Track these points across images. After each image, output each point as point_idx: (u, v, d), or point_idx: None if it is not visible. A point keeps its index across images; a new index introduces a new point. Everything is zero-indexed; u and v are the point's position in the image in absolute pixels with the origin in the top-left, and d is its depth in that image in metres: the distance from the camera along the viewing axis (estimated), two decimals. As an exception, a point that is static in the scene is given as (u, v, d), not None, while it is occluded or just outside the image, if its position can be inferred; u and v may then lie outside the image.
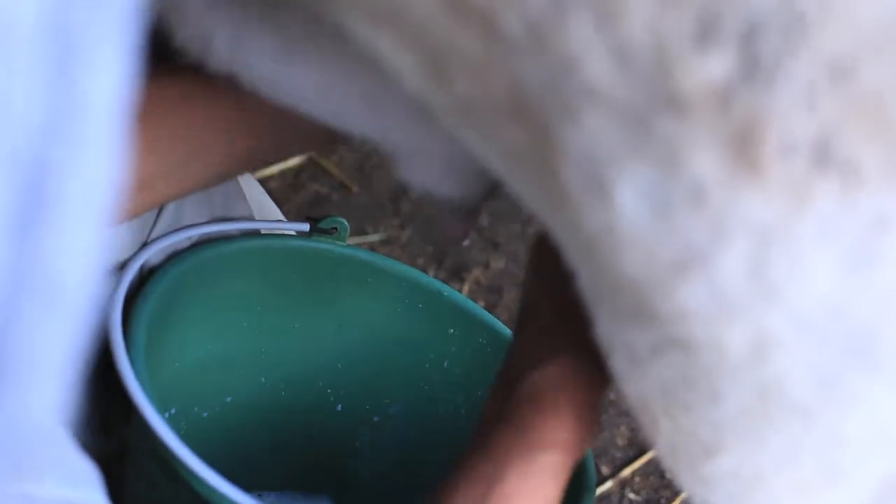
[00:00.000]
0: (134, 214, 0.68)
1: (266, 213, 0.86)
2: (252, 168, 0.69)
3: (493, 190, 0.58)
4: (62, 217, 0.30)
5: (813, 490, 0.52)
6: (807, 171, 0.41)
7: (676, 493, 1.15)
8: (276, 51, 0.55)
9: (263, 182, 1.35)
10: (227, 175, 0.69)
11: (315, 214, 0.84)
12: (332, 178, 1.39)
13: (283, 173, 1.38)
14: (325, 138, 0.68)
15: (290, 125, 0.64)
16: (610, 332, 0.50)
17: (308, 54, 0.55)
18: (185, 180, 0.65)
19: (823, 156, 0.41)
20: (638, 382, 0.51)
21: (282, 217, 0.88)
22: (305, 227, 0.83)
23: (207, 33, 0.56)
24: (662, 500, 1.15)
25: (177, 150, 0.63)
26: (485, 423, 0.56)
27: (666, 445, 0.53)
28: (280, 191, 1.36)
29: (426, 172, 0.57)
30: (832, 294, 0.44)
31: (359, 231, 1.34)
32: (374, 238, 1.33)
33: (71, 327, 0.31)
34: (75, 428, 0.77)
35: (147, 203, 0.66)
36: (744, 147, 0.40)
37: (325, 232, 0.83)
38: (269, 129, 0.64)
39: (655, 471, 1.16)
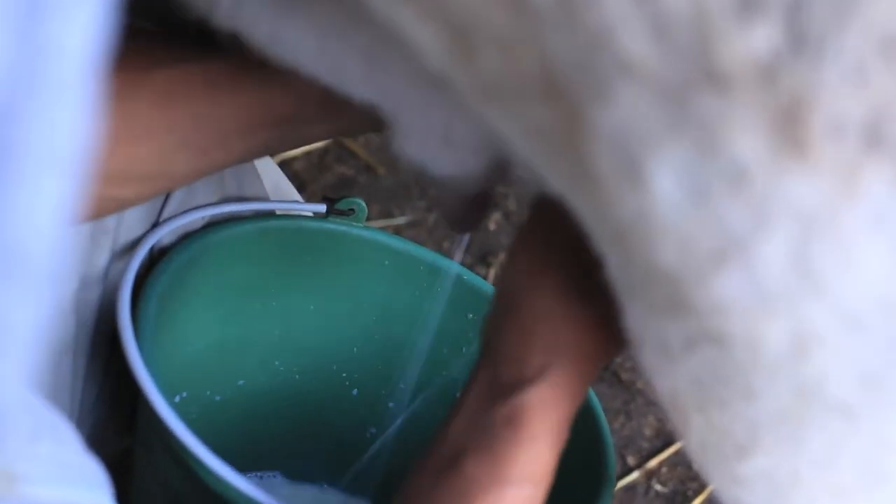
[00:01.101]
0: (146, 200, 0.66)
1: (282, 193, 0.84)
2: (271, 153, 0.67)
3: (498, 173, 0.55)
4: (26, 168, 0.28)
5: (851, 494, 0.49)
6: (857, 153, 0.38)
7: (704, 486, 1.12)
8: (275, 4, 0.53)
9: (288, 164, 1.34)
10: (246, 160, 0.67)
11: (341, 197, 0.81)
12: (359, 159, 1.37)
13: (307, 155, 1.36)
14: (347, 125, 0.65)
15: (314, 112, 0.62)
16: (641, 324, 0.47)
17: (308, 8, 0.53)
18: (202, 168, 0.63)
19: (875, 137, 0.38)
20: (670, 377, 0.48)
21: (298, 198, 0.86)
22: (322, 208, 0.81)
23: None
24: (690, 492, 1.13)
25: (199, 140, 0.61)
26: (453, 438, 0.52)
27: (697, 442, 0.50)
28: (305, 172, 1.35)
29: (423, 145, 0.54)
30: (883, 287, 0.41)
31: (385, 214, 1.32)
32: (399, 221, 1.32)
33: (34, 292, 0.29)
34: (91, 426, 0.76)
35: (159, 189, 0.64)
36: (789, 126, 0.37)
37: (342, 213, 0.81)
38: (291, 118, 0.62)
39: (683, 462, 1.14)
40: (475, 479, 0.51)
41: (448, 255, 0.85)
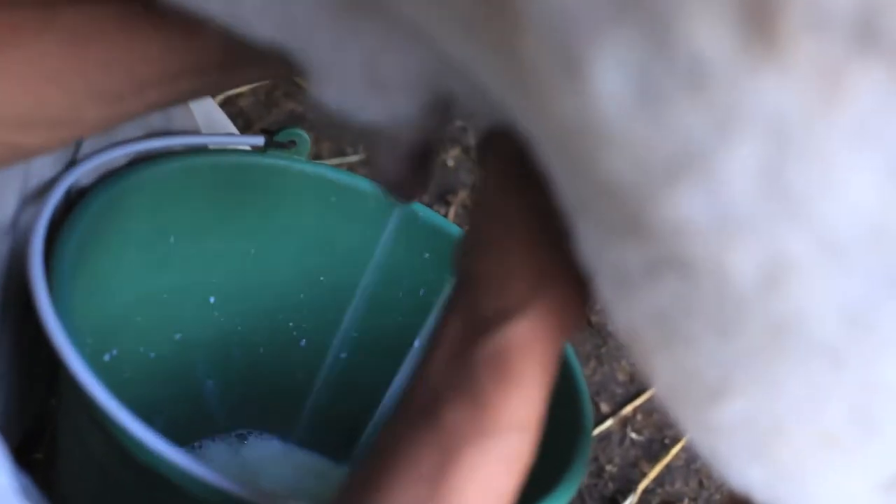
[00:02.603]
0: (56, 148, 0.58)
1: (215, 125, 0.77)
2: (198, 97, 0.59)
3: (436, 117, 0.48)
4: None
5: (842, 445, 0.43)
6: (843, 52, 0.31)
7: (682, 433, 1.06)
8: None
9: (232, 101, 1.26)
10: (169, 104, 0.59)
11: (281, 128, 0.74)
12: (309, 94, 1.29)
13: (254, 91, 1.29)
14: (280, 69, 0.57)
15: (240, 56, 0.54)
16: (594, 248, 0.41)
17: None
18: (120, 115, 0.56)
19: (866, 32, 0.31)
20: (629, 309, 0.41)
21: (234, 130, 0.79)
22: (260, 140, 0.73)
23: None
24: (667, 440, 1.06)
25: (114, 84, 0.53)
26: (430, 383, 0.46)
27: (665, 385, 0.44)
28: (251, 109, 1.27)
29: (344, 88, 0.46)
30: (870, 210, 0.34)
31: (337, 152, 1.25)
32: (353, 158, 1.25)
33: None
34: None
35: (72, 137, 0.56)
36: (759, 15, 0.31)
37: (282, 146, 0.74)
38: (214, 63, 0.54)
39: (659, 408, 1.08)
40: (456, 430, 0.44)
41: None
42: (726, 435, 0.44)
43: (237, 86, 0.60)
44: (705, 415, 0.43)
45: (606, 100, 0.33)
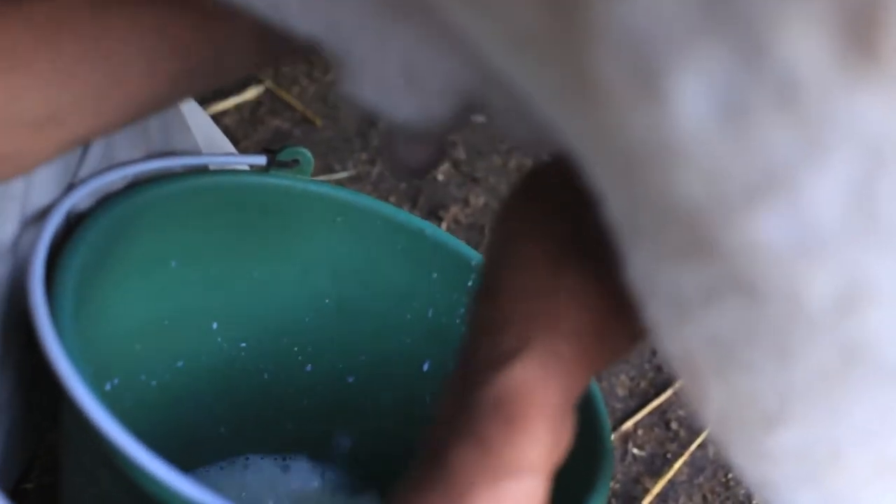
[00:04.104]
0: (45, 157, 0.55)
1: (215, 146, 0.75)
2: (183, 96, 0.57)
3: (463, 116, 0.47)
4: None
5: None
6: None
7: (684, 447, 1.05)
8: None
9: (217, 119, 1.24)
10: (155, 105, 0.56)
11: (282, 147, 0.72)
12: (294, 111, 1.28)
13: (238, 108, 1.27)
14: (264, 50, 0.56)
15: (223, 35, 0.52)
16: (649, 273, 0.39)
17: None
18: (102, 114, 0.53)
19: None
20: (683, 334, 0.40)
21: (233, 150, 0.77)
22: (262, 160, 0.71)
23: None
24: (669, 455, 1.05)
25: (90, 76, 0.51)
26: (441, 431, 0.45)
27: (716, 413, 0.42)
28: (236, 128, 1.25)
29: (380, 86, 0.45)
30: None
31: (325, 168, 1.23)
32: (342, 175, 1.23)
33: None
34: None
35: (58, 142, 0.54)
36: (860, 26, 0.29)
37: (284, 165, 0.72)
38: (198, 44, 0.52)
39: (660, 423, 1.06)
40: (464, 473, 0.43)
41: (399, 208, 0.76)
42: (779, 462, 0.42)
43: (221, 76, 0.58)
44: (759, 442, 0.41)
45: (687, 118, 0.31)
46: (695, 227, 0.34)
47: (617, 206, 0.38)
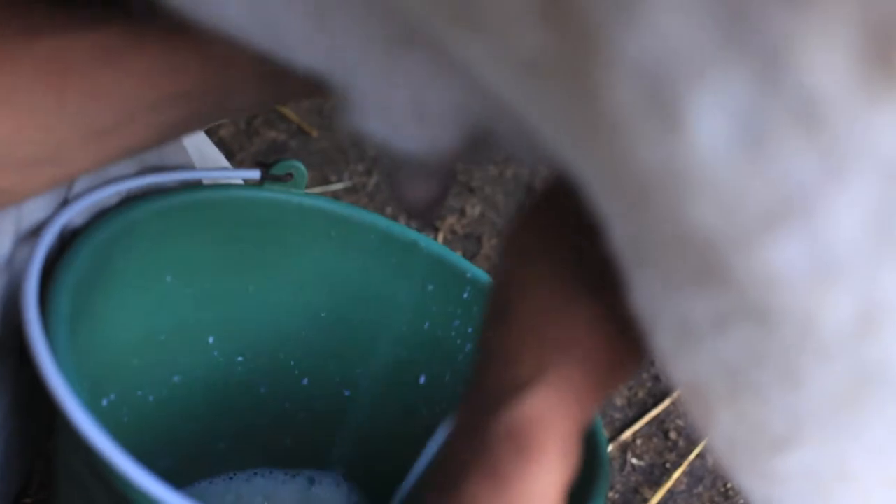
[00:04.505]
0: (40, 191, 0.55)
1: (208, 160, 0.75)
2: (186, 133, 0.57)
3: (471, 146, 0.46)
4: None
5: None
6: None
7: (682, 457, 1.04)
8: None
9: (212, 131, 1.24)
10: (157, 142, 0.56)
11: (276, 160, 0.72)
12: (289, 122, 1.28)
13: (234, 120, 1.26)
14: (280, 93, 0.55)
15: (236, 81, 0.52)
16: (656, 300, 0.38)
17: None
18: (103, 152, 0.53)
19: None
20: (692, 362, 0.39)
21: (227, 164, 0.76)
22: (256, 174, 0.71)
23: None
24: (668, 465, 1.05)
25: (94, 118, 0.51)
26: (453, 461, 0.44)
27: (724, 437, 0.41)
28: (232, 140, 1.25)
29: (386, 118, 0.45)
30: None
31: (321, 180, 1.23)
32: (338, 186, 1.22)
33: None
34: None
35: (55, 179, 0.54)
36: (882, 48, 0.28)
37: (278, 179, 0.71)
38: (204, 86, 0.52)
39: (658, 432, 1.06)
40: None
41: (394, 220, 0.75)
42: (786, 480, 0.42)
43: (226, 116, 0.58)
44: (767, 465, 0.41)
45: (704, 145, 0.30)
46: (707, 254, 0.34)
47: (623, 233, 0.37)
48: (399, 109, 0.44)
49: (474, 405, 0.45)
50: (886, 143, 0.30)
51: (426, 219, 0.52)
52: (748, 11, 0.29)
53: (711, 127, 0.30)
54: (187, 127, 0.56)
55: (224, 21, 0.44)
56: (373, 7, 0.41)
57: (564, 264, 0.45)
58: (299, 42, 0.44)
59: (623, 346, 0.44)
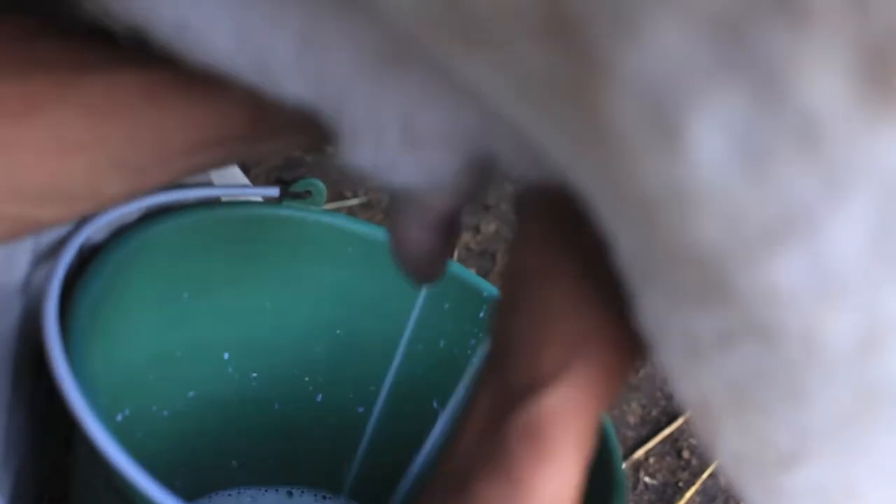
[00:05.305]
0: (70, 219, 0.55)
1: (227, 176, 0.75)
2: (219, 166, 0.57)
3: (477, 178, 0.45)
4: None
5: None
6: None
7: (695, 476, 1.05)
8: None
9: (229, 145, 1.24)
10: (188, 175, 0.56)
11: (287, 178, 0.72)
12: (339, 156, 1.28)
13: (250, 135, 1.26)
14: (311, 140, 0.55)
15: (270, 127, 0.52)
16: (662, 317, 0.38)
17: None
18: (139, 185, 0.52)
19: None
20: (698, 379, 0.39)
21: (246, 181, 0.77)
22: (275, 191, 0.72)
23: None
24: (681, 483, 1.05)
25: (134, 151, 0.50)
26: (463, 456, 0.43)
27: (731, 453, 0.41)
28: (248, 154, 1.25)
29: (379, 147, 0.43)
30: None
31: (336, 195, 1.23)
32: (353, 202, 1.23)
33: None
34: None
35: (91, 208, 0.53)
36: (879, 68, 0.29)
37: (297, 196, 0.72)
38: (243, 135, 0.52)
39: (671, 451, 1.06)
40: None
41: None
42: (794, 499, 0.42)
43: (261, 156, 0.57)
44: (774, 482, 0.41)
45: (705, 164, 0.31)
46: (710, 271, 0.34)
47: (628, 249, 0.37)
48: (392, 134, 0.43)
49: (487, 405, 0.43)
50: (885, 162, 0.30)
51: (426, 276, 0.50)
52: (748, 32, 0.29)
53: (712, 146, 0.31)
54: (219, 164, 0.56)
55: (212, 53, 0.44)
56: (364, 23, 0.41)
57: (580, 260, 0.44)
58: (287, 68, 0.43)
59: (632, 342, 0.44)
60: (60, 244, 0.63)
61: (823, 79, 0.29)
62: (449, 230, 0.49)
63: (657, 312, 0.38)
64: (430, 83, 0.42)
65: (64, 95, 0.48)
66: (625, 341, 0.44)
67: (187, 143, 0.51)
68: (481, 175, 0.45)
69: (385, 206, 1.23)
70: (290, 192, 0.71)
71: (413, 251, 0.49)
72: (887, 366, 0.35)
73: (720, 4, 0.29)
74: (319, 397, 0.78)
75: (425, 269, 0.50)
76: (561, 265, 0.44)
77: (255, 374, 0.76)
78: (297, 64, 0.43)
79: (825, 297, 0.33)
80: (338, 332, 0.76)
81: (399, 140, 0.43)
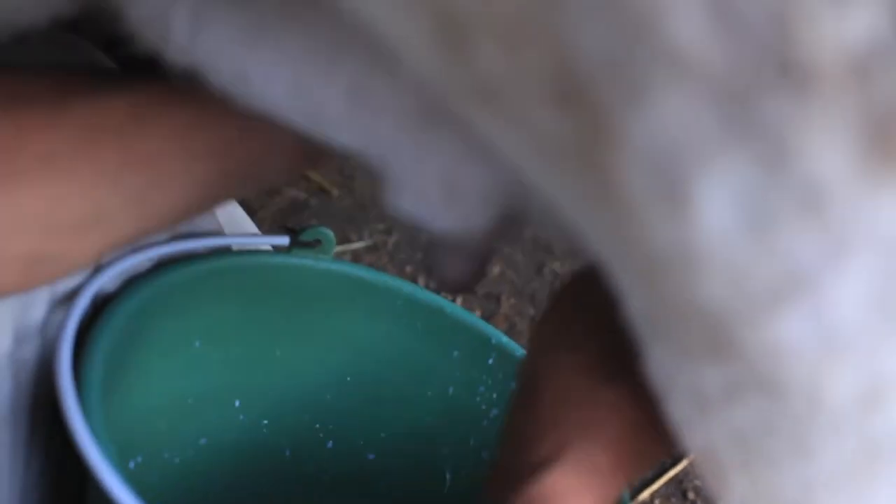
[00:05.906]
0: (86, 259, 0.56)
1: (237, 226, 0.76)
2: (222, 200, 0.58)
3: (504, 225, 0.47)
4: None
5: None
6: None
7: (702, 517, 1.05)
8: (241, 31, 0.45)
9: (235, 189, 1.25)
10: (194, 210, 0.57)
11: (293, 222, 0.73)
12: (310, 181, 1.29)
13: (256, 179, 1.27)
14: (304, 160, 0.57)
15: (265, 144, 0.53)
16: (670, 371, 0.39)
17: (281, 37, 0.45)
18: (143, 217, 0.53)
19: None
20: (706, 430, 0.40)
21: (256, 230, 0.77)
22: (285, 240, 0.72)
23: (162, 11, 0.45)
24: (687, 525, 1.05)
25: (132, 180, 0.51)
26: None
27: (737, 501, 0.42)
28: (253, 198, 1.26)
29: (421, 198, 0.46)
30: None
31: (342, 239, 1.24)
32: (358, 245, 1.24)
33: None
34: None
35: (100, 245, 0.54)
36: (881, 136, 0.30)
37: (307, 245, 0.73)
38: (238, 149, 0.53)
39: (677, 492, 1.06)
40: None
41: (413, 279, 0.76)
42: None
43: (258, 176, 0.58)
44: None
45: (711, 227, 0.32)
46: (717, 328, 0.35)
47: (638, 306, 0.39)
48: (431, 187, 0.46)
49: (496, 485, 0.46)
50: (886, 226, 0.31)
51: (465, 290, 0.53)
52: (753, 102, 0.30)
53: (718, 210, 0.32)
54: (221, 190, 0.57)
55: (268, 102, 0.45)
56: (405, 83, 0.43)
57: (589, 354, 0.46)
58: (339, 120, 0.46)
59: (648, 430, 0.45)
60: (74, 292, 0.64)
61: (827, 146, 0.30)
62: (482, 258, 0.52)
63: (665, 365, 0.39)
64: (465, 140, 0.44)
65: (54, 124, 0.50)
66: (634, 428, 0.45)
67: (177, 161, 0.52)
68: (514, 220, 0.47)
69: (390, 249, 1.24)
70: (300, 241, 0.72)
71: (449, 275, 0.52)
72: (889, 421, 0.36)
73: (726, 74, 0.30)
74: (330, 444, 0.78)
75: (462, 287, 0.52)
76: (566, 362, 0.47)
77: (265, 422, 0.76)
78: (346, 117, 0.45)
79: (828, 354, 0.34)
80: (348, 378, 0.77)
81: (439, 193, 0.46)
